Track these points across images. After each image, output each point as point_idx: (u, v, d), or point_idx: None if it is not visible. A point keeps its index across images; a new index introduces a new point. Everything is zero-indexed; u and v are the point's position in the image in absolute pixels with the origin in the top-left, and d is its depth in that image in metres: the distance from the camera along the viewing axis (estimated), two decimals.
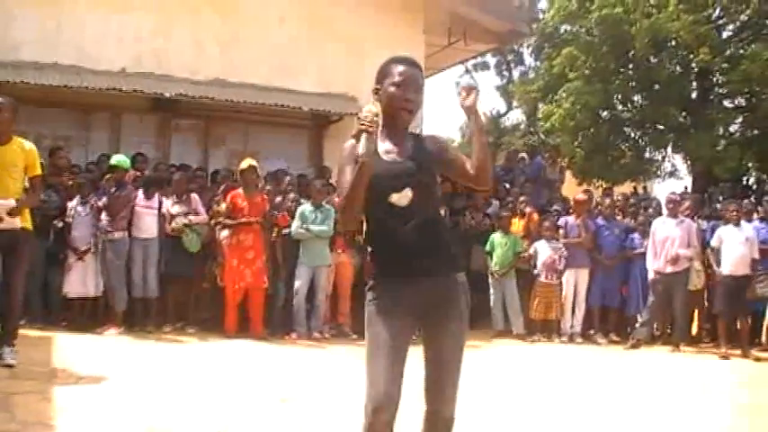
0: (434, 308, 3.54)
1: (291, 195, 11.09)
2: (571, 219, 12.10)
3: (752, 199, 13.52)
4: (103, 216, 10.01)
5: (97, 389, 6.84)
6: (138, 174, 11.08)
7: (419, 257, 3.50)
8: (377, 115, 3.42)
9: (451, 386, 3.57)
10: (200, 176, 11.83)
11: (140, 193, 10.42)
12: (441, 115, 44.62)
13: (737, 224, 11.04)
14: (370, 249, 3.70)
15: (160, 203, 10.44)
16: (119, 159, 10.42)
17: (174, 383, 7.32)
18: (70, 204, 10.18)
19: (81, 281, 10.04)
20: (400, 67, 3.58)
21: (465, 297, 3.62)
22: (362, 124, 3.39)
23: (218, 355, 9.05)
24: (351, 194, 3.42)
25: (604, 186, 17.44)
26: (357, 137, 3.41)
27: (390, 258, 3.56)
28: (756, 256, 10.91)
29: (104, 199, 10.04)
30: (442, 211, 3.78)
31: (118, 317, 9.98)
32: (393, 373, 3.45)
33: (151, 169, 11.62)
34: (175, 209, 10.46)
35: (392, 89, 3.55)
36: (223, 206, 10.45)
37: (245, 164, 10.43)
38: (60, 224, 10.13)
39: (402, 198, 3.49)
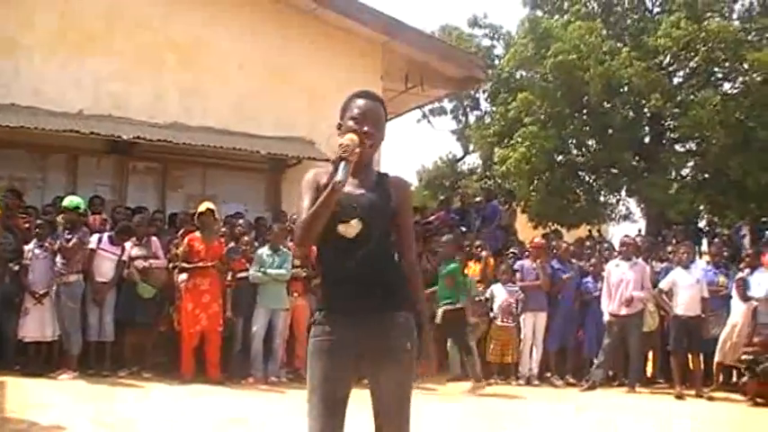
0: (375, 349, 3.48)
1: (246, 239, 11.04)
2: (527, 262, 12.21)
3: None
4: (58, 259, 9.92)
5: None
6: (104, 218, 11.07)
7: (362, 292, 3.47)
8: (358, 146, 3.40)
9: (396, 429, 3.52)
10: (159, 219, 11.79)
11: (105, 237, 10.38)
12: (398, 159, 44.84)
13: (687, 267, 11.25)
14: (320, 282, 3.67)
15: (122, 249, 10.40)
16: (72, 201, 10.33)
17: (129, 428, 7.26)
18: (27, 247, 10.08)
19: (38, 325, 9.88)
20: (359, 101, 3.60)
21: (409, 337, 3.54)
22: (344, 152, 3.36)
23: (175, 399, 8.98)
24: (314, 214, 3.38)
25: (552, 229, 17.64)
26: (336, 163, 3.36)
27: (335, 291, 3.53)
28: (706, 295, 11.09)
29: (59, 242, 9.95)
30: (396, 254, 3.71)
31: (72, 361, 9.86)
32: (331, 415, 3.45)
33: (109, 213, 11.57)
34: (135, 251, 10.43)
35: (350, 123, 3.55)
36: (180, 249, 10.42)
37: (202, 207, 10.42)
38: (17, 267, 10.02)
39: (349, 229, 3.47)
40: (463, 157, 30.01)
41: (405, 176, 3.78)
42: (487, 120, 25.39)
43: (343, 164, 3.34)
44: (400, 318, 3.54)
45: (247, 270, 10.63)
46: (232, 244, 10.86)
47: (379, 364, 3.50)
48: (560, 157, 20.23)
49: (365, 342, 3.48)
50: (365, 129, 3.52)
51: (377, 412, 3.52)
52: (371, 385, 3.53)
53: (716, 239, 14.14)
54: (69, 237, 9.94)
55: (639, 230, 19.82)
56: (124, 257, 10.38)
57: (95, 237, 10.34)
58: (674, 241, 14.55)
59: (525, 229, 18.27)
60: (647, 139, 19.94)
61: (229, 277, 10.63)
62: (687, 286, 11.05)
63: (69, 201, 10.33)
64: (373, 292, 3.49)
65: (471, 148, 27.78)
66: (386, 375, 3.49)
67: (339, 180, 3.32)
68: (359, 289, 3.47)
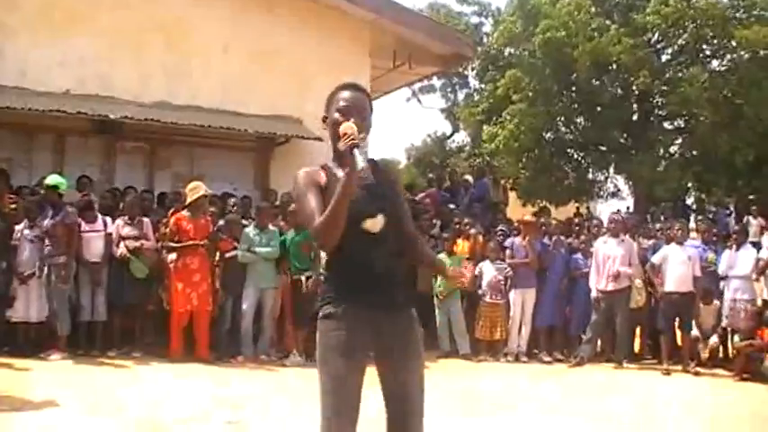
0: (394, 344, 3.50)
1: (232, 217, 10.97)
2: (517, 240, 12.22)
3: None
4: (47, 241, 9.86)
5: (40, 415, 6.78)
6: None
7: (385, 288, 3.49)
8: (360, 132, 3.38)
9: (418, 424, 3.54)
10: (147, 199, 11.75)
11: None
12: (386, 137, 44.89)
13: (681, 243, 11.30)
14: (328, 275, 3.61)
15: (105, 224, 10.36)
16: (55, 180, 10.17)
17: (118, 408, 7.28)
18: (17, 228, 10.01)
19: (25, 306, 9.87)
20: (344, 93, 3.58)
21: (419, 332, 3.61)
22: (352, 139, 3.31)
23: (164, 378, 8.99)
24: (335, 211, 3.29)
25: (541, 206, 17.71)
26: (348, 152, 3.29)
27: (354, 286, 3.48)
28: (698, 273, 11.17)
29: (45, 223, 9.89)
30: None
31: (62, 341, 9.85)
32: (348, 410, 3.42)
33: (99, 195, 11.50)
34: (126, 230, 10.39)
35: (336, 115, 3.52)
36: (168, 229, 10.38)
37: (199, 191, 10.28)
38: (4, 265, 9.94)
39: (376, 224, 3.46)
40: (452, 135, 30.04)
41: (391, 156, 3.76)
42: (476, 97, 25.39)
43: (357, 151, 3.29)
44: (413, 312, 3.60)
45: (235, 249, 10.61)
46: (221, 222, 10.81)
47: (401, 359, 3.52)
48: (549, 135, 20.28)
49: (384, 337, 3.49)
50: (350, 120, 3.47)
51: (398, 406, 3.53)
52: (390, 379, 3.52)
53: (700, 216, 14.26)
54: (54, 218, 9.86)
55: (628, 208, 19.91)
56: (109, 230, 10.34)
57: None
58: (662, 218, 14.63)
59: (514, 207, 18.31)
60: (635, 117, 19.97)
61: (217, 257, 10.59)
62: (679, 263, 11.11)
63: (50, 179, 10.20)
64: (394, 288, 3.53)
65: (460, 125, 27.80)
66: (409, 370, 3.53)
67: (360, 167, 3.26)
68: (382, 285, 3.48)
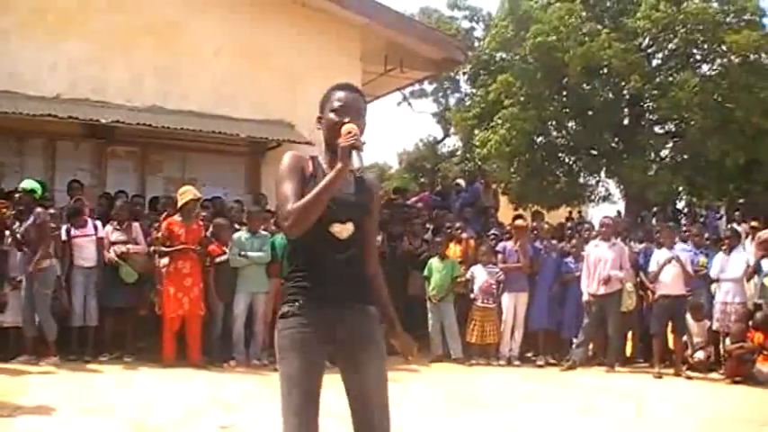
0: (353, 342, 3.48)
1: (221, 221, 10.95)
2: (509, 244, 12.23)
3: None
4: (25, 248, 9.77)
5: (33, 421, 6.76)
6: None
7: (344, 288, 3.46)
8: (359, 135, 3.40)
9: (385, 422, 3.50)
10: (138, 204, 11.74)
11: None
12: (378, 142, 44.91)
13: (671, 247, 11.35)
14: (290, 275, 3.57)
15: (96, 229, 10.34)
16: (30, 184, 10.03)
17: (110, 412, 7.26)
18: (8, 233, 9.96)
19: (15, 310, 9.83)
20: (339, 93, 3.56)
21: (380, 328, 3.59)
22: (355, 139, 3.34)
23: (156, 383, 8.98)
24: (315, 200, 3.31)
25: (534, 210, 17.75)
26: (346, 151, 3.32)
27: (315, 284, 3.47)
28: (690, 269, 11.22)
29: (21, 229, 9.75)
30: (379, 238, 3.70)
31: (52, 346, 9.80)
32: (310, 408, 3.40)
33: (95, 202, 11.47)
34: (115, 236, 10.37)
35: (331, 115, 3.52)
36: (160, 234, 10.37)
37: (188, 195, 10.29)
38: None
39: (344, 231, 3.46)
40: (443, 140, 30.09)
41: (380, 164, 3.77)
42: (468, 102, 25.43)
43: (355, 152, 3.33)
44: (372, 310, 3.57)
45: (224, 254, 10.60)
46: (212, 228, 10.80)
47: (362, 351, 3.48)
48: (540, 139, 20.32)
49: (343, 331, 3.46)
50: (346, 120, 3.46)
51: (362, 407, 3.49)
52: (352, 373, 3.50)
53: (686, 219, 14.30)
54: (30, 223, 9.76)
55: (619, 212, 19.96)
56: (100, 235, 10.33)
57: (63, 228, 10.23)
58: (653, 221, 14.67)
59: (505, 211, 18.33)
60: (626, 121, 20.04)
61: (208, 262, 10.57)
62: (669, 266, 11.15)
63: (26, 183, 10.08)
64: (352, 287, 3.49)
65: (451, 130, 27.84)
66: (370, 370, 3.49)
67: (358, 167, 3.33)
68: (341, 285, 3.45)
